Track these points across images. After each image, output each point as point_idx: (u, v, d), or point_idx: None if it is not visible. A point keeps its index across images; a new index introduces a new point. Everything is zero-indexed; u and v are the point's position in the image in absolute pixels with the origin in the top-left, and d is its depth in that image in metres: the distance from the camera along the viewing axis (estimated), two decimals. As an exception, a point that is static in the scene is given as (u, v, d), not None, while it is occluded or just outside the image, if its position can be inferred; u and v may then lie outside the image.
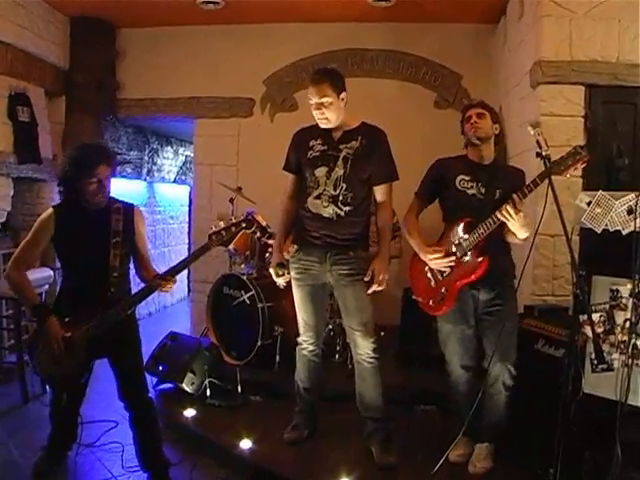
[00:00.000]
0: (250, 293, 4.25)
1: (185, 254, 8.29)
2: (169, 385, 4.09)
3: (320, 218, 3.09)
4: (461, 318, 3.00)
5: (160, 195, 7.18)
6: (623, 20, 3.71)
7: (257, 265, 4.54)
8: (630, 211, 2.85)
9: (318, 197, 3.08)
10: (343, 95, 3.07)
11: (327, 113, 3.01)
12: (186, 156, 7.46)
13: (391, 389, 3.68)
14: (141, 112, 5.76)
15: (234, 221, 2.88)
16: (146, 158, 6.32)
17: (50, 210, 2.86)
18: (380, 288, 3.10)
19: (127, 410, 2.93)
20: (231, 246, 4.45)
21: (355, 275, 3.09)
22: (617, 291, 2.85)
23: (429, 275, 3.03)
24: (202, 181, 5.87)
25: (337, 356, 4.47)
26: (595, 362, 2.91)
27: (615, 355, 2.83)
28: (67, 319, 2.79)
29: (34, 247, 2.87)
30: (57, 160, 5.37)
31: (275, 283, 3.88)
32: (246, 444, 3.26)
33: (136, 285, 3.00)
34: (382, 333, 4.63)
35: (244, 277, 4.35)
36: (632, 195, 2.84)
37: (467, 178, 2.97)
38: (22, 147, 4.81)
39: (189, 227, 8.43)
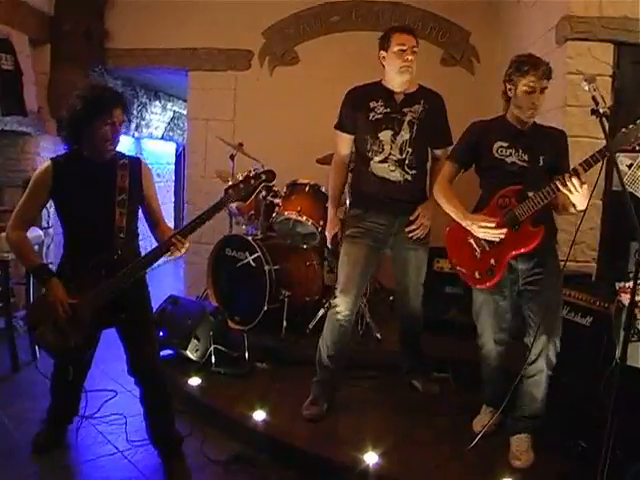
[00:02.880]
0: (256, 255, 4.05)
1: (172, 213, 8.02)
2: (169, 352, 3.89)
3: (387, 182, 3.10)
4: (496, 288, 2.80)
5: (147, 152, 6.87)
6: (656, -25, 3.51)
7: (262, 225, 4.33)
8: (673, 175, 2.72)
9: (384, 161, 3.09)
10: None
11: (414, 64, 3.01)
12: (174, 111, 7.14)
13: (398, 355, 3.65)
14: (131, 63, 5.41)
15: (253, 173, 2.60)
16: (135, 112, 6.00)
17: (48, 163, 2.59)
18: (419, 232, 3.15)
19: (138, 384, 2.70)
20: (233, 205, 4.26)
21: (422, 240, 3.20)
22: None
23: (473, 245, 2.80)
24: (196, 137, 5.59)
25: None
26: (632, 331, 2.81)
27: (651, 323, 2.73)
28: (71, 284, 2.53)
29: (32, 204, 2.62)
30: (42, 113, 5.06)
31: (282, 245, 3.77)
32: (259, 415, 3.08)
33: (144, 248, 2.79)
34: (391, 298, 4.57)
35: (249, 238, 4.14)
36: (676, 158, 2.72)
37: (505, 144, 2.74)
38: (6, 97, 4.46)
39: (175, 185, 8.15)
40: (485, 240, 2.74)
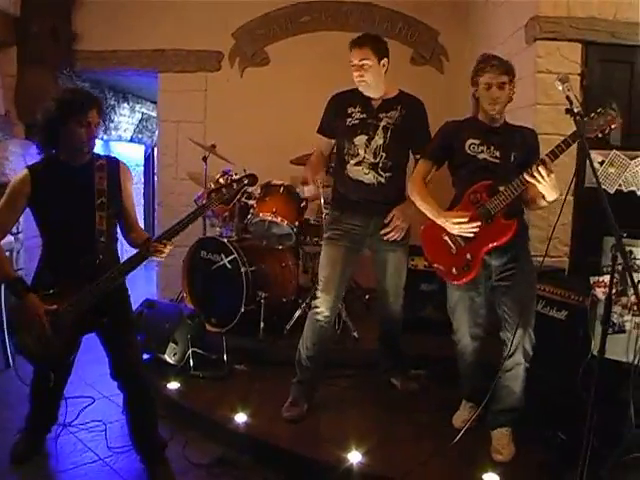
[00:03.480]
0: (232, 257, 4.03)
1: (141, 216, 7.93)
2: (146, 356, 3.84)
3: (361, 184, 3.14)
4: (471, 284, 2.85)
5: (116, 154, 6.71)
6: (621, -24, 3.61)
7: (237, 227, 4.31)
8: (647, 171, 2.79)
9: (358, 164, 3.13)
10: (384, 62, 3.09)
11: (366, 76, 3.03)
12: (142, 113, 7.05)
13: (375, 354, 3.66)
14: (100, 65, 5.35)
15: (235, 177, 2.64)
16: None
17: (25, 171, 2.52)
18: (394, 234, 3.15)
19: (121, 388, 2.66)
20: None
21: (400, 241, 3.21)
22: (630, 252, 2.80)
23: (449, 242, 2.82)
24: (167, 139, 5.55)
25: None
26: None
27: (627, 317, 2.79)
28: (52, 290, 2.49)
29: (9, 214, 2.54)
30: (10, 117, 4.96)
31: (257, 246, 3.79)
32: (241, 418, 3.07)
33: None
34: (367, 296, 4.59)
35: (224, 240, 4.12)
36: (649, 155, 2.79)
37: (477, 142, 2.79)
38: (-29, 101, 4.39)
39: (145, 187, 8.06)
40: (460, 236, 2.77)
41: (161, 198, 5.65)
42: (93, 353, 2.70)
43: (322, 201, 4.00)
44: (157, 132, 7.38)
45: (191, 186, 5.01)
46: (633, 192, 2.76)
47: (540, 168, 2.46)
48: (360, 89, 3.11)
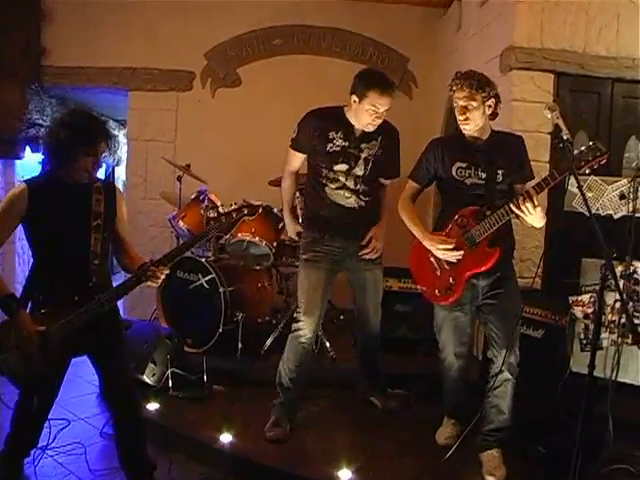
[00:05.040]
0: (209, 276, 4.01)
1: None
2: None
3: (342, 208, 3.17)
4: (456, 304, 2.90)
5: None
6: (590, 12, 3.80)
7: (214, 247, 4.29)
8: (622, 196, 2.92)
9: (339, 188, 3.15)
10: None
11: (380, 120, 3.05)
12: (107, 132, 6.94)
13: (352, 373, 3.69)
14: (69, 81, 5.26)
15: (234, 207, 2.70)
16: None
17: (22, 186, 2.44)
18: (372, 255, 3.23)
19: (111, 410, 2.63)
20: (184, 226, 4.23)
21: (375, 260, 3.28)
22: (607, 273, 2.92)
23: (434, 264, 2.89)
24: (136, 158, 5.50)
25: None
26: (584, 342, 2.99)
27: (604, 334, 2.91)
28: (43, 311, 2.42)
29: (3, 228, 2.45)
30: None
31: (234, 266, 3.82)
32: (226, 438, 3.05)
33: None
34: (342, 316, 4.63)
35: (202, 259, 4.09)
36: (625, 181, 2.92)
37: (464, 165, 2.82)
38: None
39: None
40: (445, 260, 2.83)
41: (129, 217, 5.53)
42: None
43: (300, 221, 4.03)
44: (119, 151, 7.33)
45: (160, 205, 4.98)
46: (610, 215, 2.88)
47: (527, 203, 2.52)
48: (366, 129, 3.08)
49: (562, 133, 2.42)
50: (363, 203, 3.17)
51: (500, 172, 2.80)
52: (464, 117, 2.76)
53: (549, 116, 2.47)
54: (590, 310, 2.94)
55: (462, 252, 2.76)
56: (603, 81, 3.86)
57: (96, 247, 2.48)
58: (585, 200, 2.36)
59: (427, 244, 2.85)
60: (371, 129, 3.08)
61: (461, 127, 2.81)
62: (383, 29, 5.47)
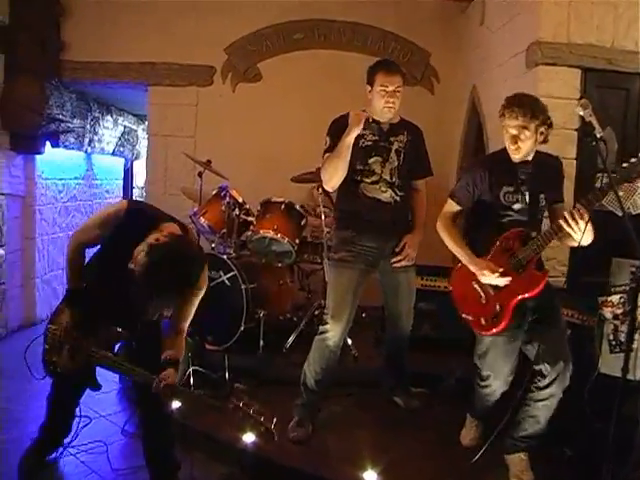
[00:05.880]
0: (231, 274, 3.98)
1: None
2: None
3: (378, 202, 3.14)
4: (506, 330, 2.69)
5: (98, 168, 6.64)
6: (619, 6, 3.71)
7: (236, 243, 4.25)
8: (654, 195, 2.87)
9: (375, 182, 3.13)
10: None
11: (396, 103, 3.08)
12: (125, 126, 6.95)
13: (374, 372, 3.68)
14: (88, 76, 5.25)
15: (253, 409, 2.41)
16: (88, 127, 5.79)
17: (123, 203, 2.52)
18: (405, 263, 3.21)
19: (137, 404, 2.71)
20: (205, 222, 4.21)
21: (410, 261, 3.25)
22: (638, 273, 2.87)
23: (478, 289, 2.74)
24: (156, 153, 5.48)
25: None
26: (614, 343, 2.93)
27: (636, 336, 2.84)
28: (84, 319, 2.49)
29: (93, 230, 2.51)
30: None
31: (255, 264, 3.78)
32: (249, 437, 3.02)
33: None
34: (364, 314, 4.58)
35: (223, 256, 4.06)
36: (657, 179, 2.85)
37: (511, 190, 2.71)
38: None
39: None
40: (490, 285, 2.69)
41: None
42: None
43: (323, 218, 4.00)
44: (138, 146, 7.35)
45: (181, 201, 4.96)
46: (640, 215, 2.82)
47: (579, 220, 2.40)
48: (383, 115, 3.10)
49: (595, 131, 2.35)
50: (399, 198, 3.15)
51: (542, 197, 2.74)
52: (515, 147, 2.65)
53: (581, 113, 2.39)
54: (620, 311, 2.89)
55: (510, 278, 2.61)
56: (631, 76, 3.75)
57: (153, 314, 2.53)
58: (619, 199, 2.31)
59: (473, 268, 2.70)
60: (389, 115, 3.10)
61: (510, 154, 2.70)
62: (405, 23, 5.41)
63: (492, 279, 2.64)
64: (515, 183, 2.72)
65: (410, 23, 5.42)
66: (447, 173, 5.09)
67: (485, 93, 4.67)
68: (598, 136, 2.35)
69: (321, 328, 3.16)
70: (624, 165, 2.36)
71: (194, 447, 3.13)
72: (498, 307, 2.65)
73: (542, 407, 2.70)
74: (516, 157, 2.71)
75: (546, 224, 2.84)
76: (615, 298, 2.89)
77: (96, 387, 2.65)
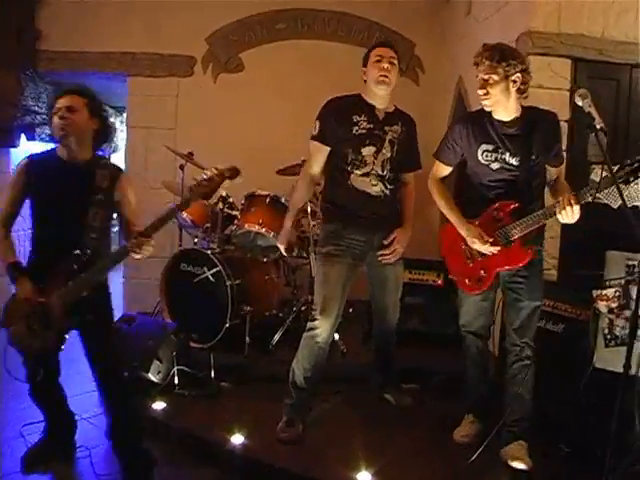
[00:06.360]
0: (215, 269, 3.87)
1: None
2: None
3: (367, 196, 3.04)
4: None
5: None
6: (608, -4, 3.67)
7: (219, 238, 4.15)
8: (650, 186, 2.81)
9: (366, 175, 3.03)
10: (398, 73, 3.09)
11: (392, 74, 2.98)
12: (103, 119, 6.78)
13: (363, 368, 3.62)
14: (66, 66, 5.09)
15: (215, 171, 2.51)
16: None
17: (24, 160, 2.57)
18: (392, 259, 3.13)
19: (99, 390, 2.65)
20: (188, 217, 4.10)
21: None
22: (633, 266, 2.83)
23: (467, 253, 2.84)
24: (136, 146, 5.34)
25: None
26: (609, 337, 2.89)
27: (634, 331, 2.81)
28: (41, 285, 2.48)
29: (9, 202, 2.58)
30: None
31: (240, 259, 3.65)
32: (237, 439, 2.93)
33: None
34: (351, 310, 4.50)
35: (207, 251, 3.96)
36: (651, 170, 2.80)
37: (490, 148, 2.71)
38: None
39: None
40: (477, 250, 2.77)
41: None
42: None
43: (309, 211, 3.92)
44: (117, 139, 7.17)
45: (160, 194, 4.83)
46: (636, 207, 2.76)
47: (574, 206, 2.45)
48: (379, 88, 2.99)
49: (595, 122, 2.30)
50: (388, 192, 3.07)
51: (533, 156, 2.68)
52: (484, 91, 2.62)
53: (580, 103, 2.35)
54: (615, 305, 2.85)
55: (498, 248, 2.69)
56: (622, 67, 3.73)
57: (94, 221, 2.50)
58: (620, 192, 2.26)
59: (464, 233, 2.77)
60: (383, 88, 2.98)
61: (482, 104, 2.68)
62: (389, 13, 5.33)
63: (482, 247, 2.71)
64: (494, 141, 2.71)
65: (395, 13, 5.34)
66: (432, 165, 5.00)
67: (472, 84, 4.57)
68: (598, 127, 2.29)
69: (309, 324, 3.06)
70: (629, 162, 2.37)
71: (181, 448, 3.05)
72: (482, 272, 2.79)
73: (518, 381, 2.76)
74: (486, 104, 2.66)
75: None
76: (610, 292, 2.85)
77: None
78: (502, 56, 2.59)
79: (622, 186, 2.75)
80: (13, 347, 2.53)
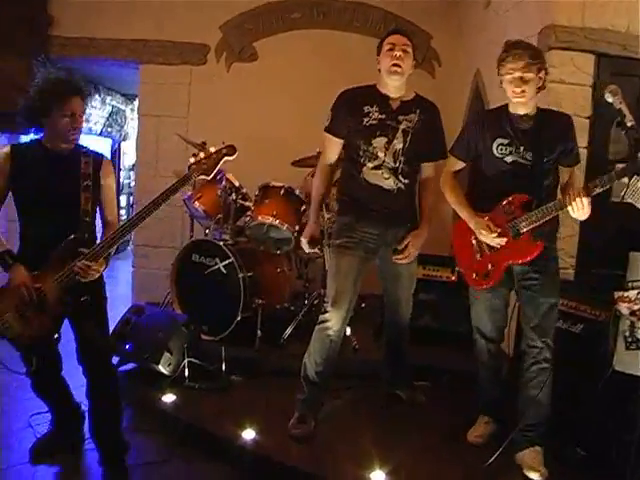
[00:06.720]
0: (228, 261, 3.82)
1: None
2: (132, 365, 3.62)
3: (380, 190, 2.97)
4: (491, 288, 2.81)
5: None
6: (633, -10, 3.58)
7: (232, 229, 4.09)
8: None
9: (377, 168, 2.95)
10: (414, 62, 3.00)
11: (405, 62, 2.89)
12: (113, 106, 6.73)
13: (375, 364, 3.54)
14: (78, 53, 5.03)
15: (214, 149, 2.61)
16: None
17: (7, 147, 2.53)
18: (406, 261, 3.06)
19: (85, 374, 2.61)
20: (200, 207, 4.05)
21: None
22: (664, 269, 2.78)
23: (475, 247, 2.82)
24: (147, 134, 5.28)
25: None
26: (630, 340, 2.83)
27: (651, 332, 2.76)
28: (35, 272, 2.45)
29: None
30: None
31: (253, 250, 3.58)
32: (249, 434, 2.90)
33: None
34: (363, 305, 4.45)
35: (220, 242, 3.90)
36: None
37: (505, 142, 2.70)
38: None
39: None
40: (487, 244, 2.75)
41: (138, 195, 5.39)
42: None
43: (324, 204, 3.86)
44: (126, 127, 7.14)
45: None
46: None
47: (583, 198, 2.43)
48: (391, 79, 2.91)
49: (625, 119, 2.26)
50: (402, 185, 2.98)
51: (546, 154, 2.66)
52: (521, 89, 2.59)
53: (610, 100, 2.31)
54: (637, 307, 2.78)
55: (505, 240, 2.67)
56: (645, 64, 3.63)
57: (87, 205, 2.53)
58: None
59: (473, 226, 2.76)
60: (396, 76, 2.89)
61: (515, 101, 2.65)
62: (406, 4, 5.23)
63: (489, 238, 2.70)
64: (509, 136, 2.70)
65: (411, 4, 5.25)
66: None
67: (490, 77, 4.51)
68: (629, 125, 2.24)
69: (321, 317, 3.03)
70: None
71: (190, 442, 3.02)
72: (490, 266, 2.76)
73: (535, 385, 2.70)
74: (522, 102, 2.64)
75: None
76: (632, 293, 2.78)
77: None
78: (535, 54, 2.61)
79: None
80: (4, 337, 2.48)
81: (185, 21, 5.11)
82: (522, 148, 2.68)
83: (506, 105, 2.75)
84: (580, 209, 2.46)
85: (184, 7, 5.08)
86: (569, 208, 2.49)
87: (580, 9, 3.55)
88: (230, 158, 2.63)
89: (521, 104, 2.66)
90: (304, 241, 3.20)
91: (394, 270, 3.14)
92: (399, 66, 2.88)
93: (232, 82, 5.22)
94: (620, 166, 2.44)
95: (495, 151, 2.72)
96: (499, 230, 2.68)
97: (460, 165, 2.92)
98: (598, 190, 2.44)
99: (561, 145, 2.69)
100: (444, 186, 2.92)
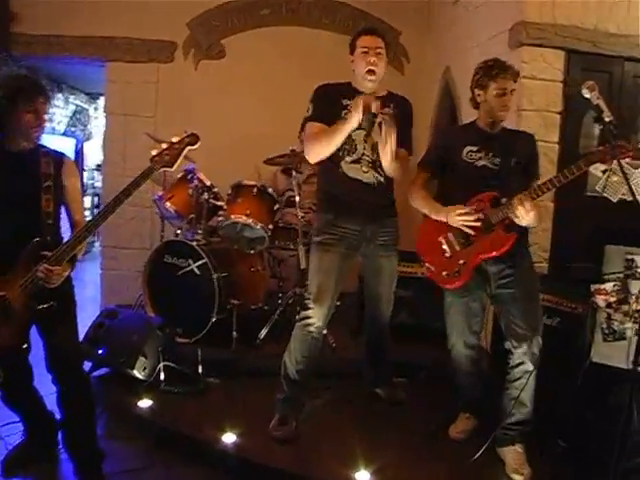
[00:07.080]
0: (201, 261, 3.76)
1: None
2: (106, 370, 3.53)
3: (359, 184, 2.96)
4: (465, 290, 2.80)
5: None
6: (601, -13, 3.63)
7: (205, 229, 4.03)
8: (650, 179, 2.80)
9: (357, 162, 2.94)
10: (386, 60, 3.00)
11: (379, 66, 2.89)
12: (76, 105, 6.57)
13: (353, 363, 3.54)
14: (43, 50, 4.87)
15: (176, 139, 2.52)
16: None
17: None
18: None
19: (55, 383, 2.52)
20: (172, 207, 3.98)
21: (392, 246, 3.12)
22: (632, 260, 2.81)
23: (444, 245, 2.78)
24: (114, 133, 5.15)
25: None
26: (607, 332, 2.86)
27: (628, 324, 2.79)
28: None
29: None
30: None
31: (226, 250, 3.51)
32: (229, 438, 2.85)
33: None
34: (338, 303, 4.40)
35: (193, 243, 3.84)
36: (649, 164, 2.79)
37: (474, 149, 2.76)
38: None
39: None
40: (457, 240, 2.74)
41: (106, 194, 5.27)
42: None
43: (297, 200, 3.83)
44: (89, 126, 6.99)
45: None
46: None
47: (523, 205, 2.47)
48: (365, 81, 2.90)
49: (603, 114, 2.25)
50: (382, 179, 2.96)
51: (513, 160, 2.72)
52: (507, 107, 2.74)
53: (588, 96, 2.30)
54: (613, 299, 2.82)
55: (480, 215, 2.65)
56: (614, 60, 3.69)
57: (48, 207, 2.45)
58: (630, 187, 2.20)
59: (442, 216, 2.74)
60: (372, 80, 2.88)
61: (501, 115, 2.74)
62: (375, 1, 5.23)
63: (462, 220, 2.66)
64: (480, 144, 2.77)
65: (380, 1, 5.24)
66: (417, 157, 4.95)
67: (460, 74, 4.53)
68: (607, 120, 2.25)
69: (302, 313, 2.99)
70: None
71: (168, 448, 2.95)
72: (462, 262, 2.73)
73: (519, 386, 2.68)
74: (504, 116, 2.75)
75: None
76: (609, 286, 2.82)
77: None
78: (516, 72, 2.78)
79: (618, 179, 2.78)
80: None
81: (152, 18, 5.00)
82: (491, 154, 2.74)
83: (473, 122, 2.87)
84: (524, 215, 2.49)
85: (151, 4, 4.97)
86: (512, 216, 2.54)
87: (550, 7, 3.60)
88: (193, 147, 2.56)
89: (497, 121, 2.77)
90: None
91: (376, 265, 3.14)
92: (374, 72, 2.88)
93: (200, 80, 5.14)
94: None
95: (465, 157, 2.77)
96: (468, 208, 2.67)
97: (425, 178, 2.95)
98: (539, 195, 2.50)
99: (526, 156, 2.76)
100: (411, 194, 2.92)
